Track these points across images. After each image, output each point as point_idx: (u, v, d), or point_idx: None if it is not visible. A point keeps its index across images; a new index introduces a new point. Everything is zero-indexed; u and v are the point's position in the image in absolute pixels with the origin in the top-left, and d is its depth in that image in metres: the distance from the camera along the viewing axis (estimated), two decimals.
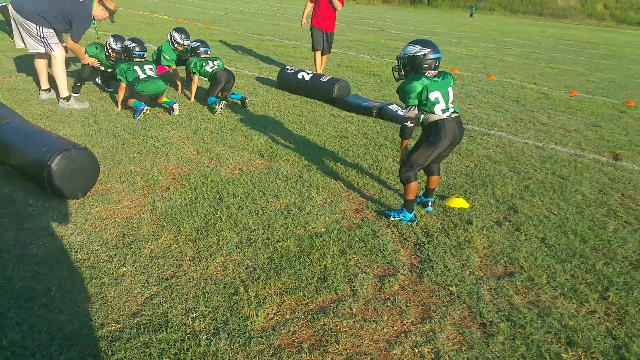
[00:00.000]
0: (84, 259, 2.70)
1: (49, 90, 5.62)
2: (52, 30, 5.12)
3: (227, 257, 2.87)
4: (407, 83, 3.27)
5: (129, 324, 2.26)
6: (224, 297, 2.51)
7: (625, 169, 4.99)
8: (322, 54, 8.32)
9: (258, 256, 2.90)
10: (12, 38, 8.86)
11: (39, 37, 5.09)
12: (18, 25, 5.13)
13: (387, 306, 2.55)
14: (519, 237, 3.37)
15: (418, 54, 3.25)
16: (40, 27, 5.05)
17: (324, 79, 6.95)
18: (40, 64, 5.47)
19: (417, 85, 3.22)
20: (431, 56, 3.24)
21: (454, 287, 2.75)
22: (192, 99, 6.20)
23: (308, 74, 7.10)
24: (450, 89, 3.37)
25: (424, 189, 3.77)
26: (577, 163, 5.04)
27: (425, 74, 3.26)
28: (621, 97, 9.12)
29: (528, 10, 66.85)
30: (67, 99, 5.34)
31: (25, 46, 5.25)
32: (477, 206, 3.84)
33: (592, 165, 5.00)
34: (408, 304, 2.58)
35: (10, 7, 5.06)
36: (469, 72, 10.92)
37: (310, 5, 8.28)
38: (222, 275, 2.70)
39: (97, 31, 7.30)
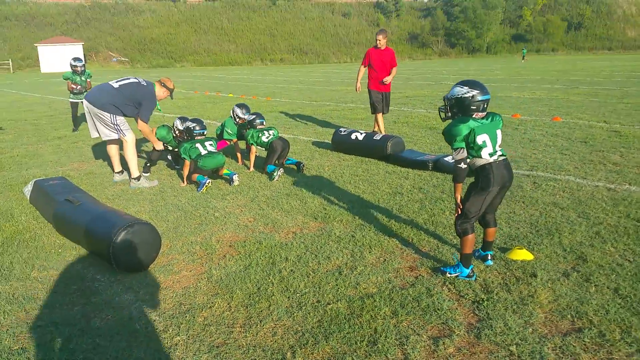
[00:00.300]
0: (142, 329, 2.82)
1: (121, 172, 6.04)
2: (123, 118, 5.63)
3: (277, 322, 2.87)
4: (453, 126, 3.18)
5: None
6: None
7: None
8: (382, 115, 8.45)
9: (307, 320, 2.89)
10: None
11: (112, 125, 5.60)
12: (93, 117, 5.66)
13: None
14: (588, 289, 3.12)
15: (466, 95, 3.16)
16: (114, 116, 5.57)
17: (377, 137, 7.03)
18: (113, 149, 5.93)
19: (464, 129, 3.13)
20: (480, 98, 3.15)
21: (514, 346, 2.56)
22: (252, 169, 6.48)
23: (361, 133, 7.23)
24: (498, 132, 3.28)
25: (482, 243, 3.62)
26: None
27: (473, 116, 3.19)
28: None
29: (594, 45, 64.67)
30: (138, 178, 5.76)
31: (99, 135, 5.75)
32: (542, 257, 3.62)
33: None
34: None
35: (85, 101, 5.62)
36: (532, 116, 10.61)
37: (363, 69, 8.54)
38: (271, 341, 2.70)
39: (160, 109, 7.93)
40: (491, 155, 3.20)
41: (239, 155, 7.02)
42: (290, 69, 44.38)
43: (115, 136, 5.71)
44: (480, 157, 3.19)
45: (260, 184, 5.88)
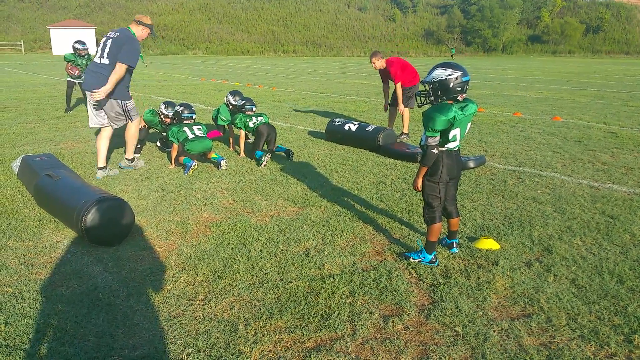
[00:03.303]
0: (104, 298, 2.91)
1: (105, 168, 5.52)
2: (132, 101, 5.51)
3: (237, 297, 2.95)
4: (438, 112, 3.09)
5: (129, 356, 2.39)
6: (223, 334, 2.58)
7: None
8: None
9: (266, 296, 2.96)
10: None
11: (123, 112, 5.45)
12: (97, 107, 5.34)
13: (384, 346, 2.48)
14: (547, 278, 3.16)
15: (450, 77, 3.11)
16: (124, 102, 5.39)
17: (370, 128, 7.08)
18: (103, 141, 5.47)
19: (444, 122, 3.08)
20: (463, 79, 3.12)
21: (460, 327, 2.62)
22: (242, 154, 6.56)
23: (354, 124, 7.27)
24: (469, 124, 3.32)
25: (447, 232, 3.67)
26: (634, 202, 4.66)
27: (458, 98, 3.16)
28: None
29: (612, 49, 63.82)
30: (132, 160, 5.80)
31: (107, 123, 5.44)
32: (509, 247, 3.66)
33: None
34: (407, 344, 2.49)
35: (90, 95, 5.24)
36: (533, 114, 10.58)
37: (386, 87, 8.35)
38: (227, 314, 2.78)
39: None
40: (450, 149, 3.24)
41: (231, 140, 7.11)
42: (302, 60, 44.36)
43: (122, 123, 5.54)
44: (443, 147, 3.23)
45: (247, 169, 5.95)
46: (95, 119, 5.44)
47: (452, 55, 55.42)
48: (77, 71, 9.90)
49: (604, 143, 7.52)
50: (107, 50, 5.23)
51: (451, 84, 3.13)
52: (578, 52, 63.72)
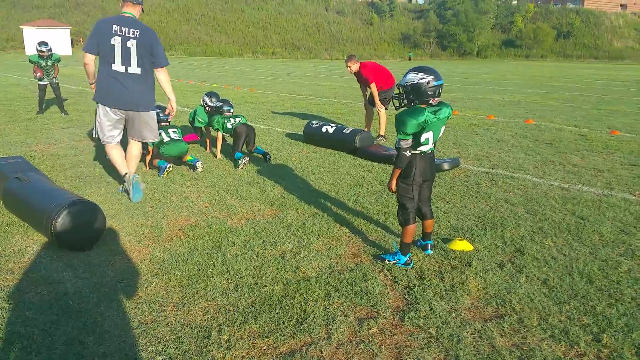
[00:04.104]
0: (74, 304, 2.84)
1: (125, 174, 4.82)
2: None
3: (210, 302, 2.92)
4: (409, 116, 3.13)
5: None
6: (196, 340, 2.54)
7: None
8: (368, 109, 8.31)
9: (240, 301, 2.93)
10: (63, 113, 9.73)
11: (156, 123, 4.98)
12: (138, 123, 4.78)
13: (359, 349, 2.48)
14: (519, 279, 3.21)
15: (422, 81, 3.15)
16: (155, 112, 4.96)
17: (347, 130, 7.10)
18: (120, 151, 4.84)
19: (415, 126, 3.12)
20: (434, 83, 3.15)
21: (434, 329, 2.64)
22: (219, 156, 6.50)
23: (332, 126, 7.29)
24: (443, 128, 3.35)
25: (422, 234, 3.70)
26: (602, 203, 4.78)
27: (430, 102, 3.19)
28: None
29: (582, 54, 65.48)
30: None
31: (142, 139, 4.90)
32: (482, 248, 3.70)
33: (619, 205, 4.72)
34: (382, 347, 2.49)
35: (130, 113, 4.70)
36: (506, 117, 10.76)
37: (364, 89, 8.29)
38: (201, 319, 2.74)
39: None
40: (423, 152, 3.27)
41: (208, 142, 7.04)
42: (281, 63, 44.27)
43: (157, 139, 5.12)
44: (415, 150, 3.25)
45: (224, 171, 5.90)
46: (108, 132, 4.70)
47: (409, 59, 56.14)
48: (41, 73, 9.69)
49: (574, 145, 7.69)
50: (133, 55, 4.48)
51: (423, 88, 3.16)
52: (550, 57, 65.15)
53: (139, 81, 4.61)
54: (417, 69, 3.22)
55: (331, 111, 11.48)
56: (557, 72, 33.57)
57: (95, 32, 4.47)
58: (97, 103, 4.64)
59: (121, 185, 4.97)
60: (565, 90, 18.32)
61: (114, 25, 4.43)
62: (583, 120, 10.45)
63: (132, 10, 4.57)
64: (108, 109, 4.62)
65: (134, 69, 4.56)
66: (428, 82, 3.14)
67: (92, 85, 4.80)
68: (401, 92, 3.29)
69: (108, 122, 4.68)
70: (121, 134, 4.83)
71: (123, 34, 4.44)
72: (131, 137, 4.92)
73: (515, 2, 75.07)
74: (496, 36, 70.29)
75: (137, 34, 4.49)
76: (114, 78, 4.51)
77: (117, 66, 4.49)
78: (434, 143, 3.33)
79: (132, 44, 4.47)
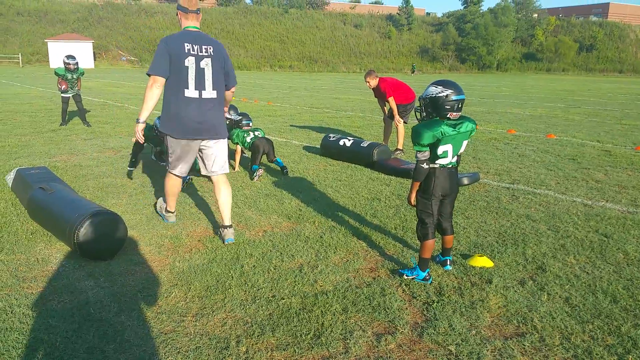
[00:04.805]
0: (96, 313, 2.88)
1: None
2: None
3: (228, 314, 2.93)
4: (425, 128, 3.13)
5: None
6: (214, 351, 2.55)
7: None
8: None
9: (258, 313, 2.94)
10: (86, 124, 9.85)
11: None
12: (216, 152, 4.13)
13: None
14: (540, 297, 3.15)
15: (440, 95, 3.13)
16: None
17: (364, 144, 7.11)
18: (178, 185, 4.37)
19: (430, 137, 3.11)
20: (454, 97, 3.12)
21: (454, 346, 2.61)
22: (237, 168, 6.56)
23: (349, 140, 7.30)
24: (465, 142, 3.32)
25: (442, 249, 3.67)
26: (627, 220, 4.68)
27: (448, 116, 3.17)
28: None
29: (606, 68, 64.57)
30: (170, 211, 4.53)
31: (217, 169, 4.18)
32: (502, 265, 3.66)
33: None
34: None
35: (210, 143, 4.08)
36: (527, 132, 10.66)
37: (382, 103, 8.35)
38: (219, 330, 2.75)
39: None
40: (443, 165, 3.25)
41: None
42: (299, 76, 44.64)
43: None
44: (434, 163, 3.24)
45: (242, 183, 5.95)
46: (179, 167, 4.14)
47: (412, 72, 55.85)
48: (65, 85, 9.95)
49: (598, 161, 7.58)
50: (208, 77, 3.87)
51: (441, 101, 3.14)
52: (572, 70, 64.46)
53: (214, 106, 3.98)
54: (438, 82, 3.22)
55: (348, 124, 11.51)
56: (579, 86, 33.18)
57: (164, 51, 3.76)
58: (166, 135, 4.04)
59: (162, 210, 4.57)
60: (587, 104, 18.09)
61: (185, 44, 3.77)
62: (607, 135, 10.29)
63: (197, 23, 3.95)
64: (182, 141, 3.98)
65: (209, 92, 3.91)
66: (447, 96, 3.13)
67: (142, 121, 3.97)
68: (421, 104, 3.30)
69: (180, 155, 4.06)
70: (190, 166, 4.25)
71: (196, 52, 3.80)
72: (213, 173, 4.17)
73: (536, 15, 74.62)
74: (516, 49, 69.91)
75: (211, 50, 3.87)
76: (187, 105, 3.85)
77: (191, 92, 3.84)
78: (457, 157, 3.31)
79: (206, 63, 3.85)
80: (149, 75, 3.82)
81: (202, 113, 3.91)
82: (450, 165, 3.30)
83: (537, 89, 28.85)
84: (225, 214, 4.13)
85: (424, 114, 3.28)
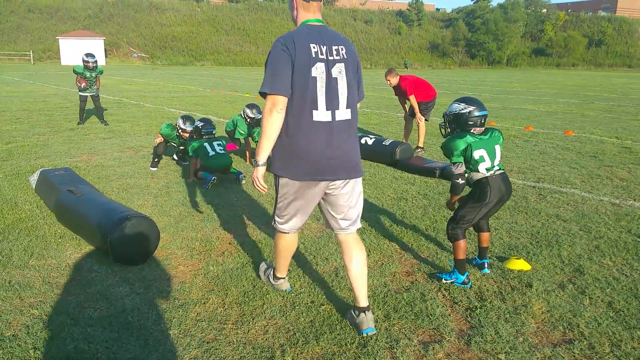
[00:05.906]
0: (134, 321, 2.85)
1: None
2: None
3: (269, 321, 2.89)
4: (451, 140, 3.27)
5: None
6: None
7: None
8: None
9: (300, 320, 2.90)
10: (104, 123, 9.76)
11: None
12: (349, 198, 2.84)
13: None
14: (582, 301, 3.09)
15: (463, 111, 3.25)
16: None
17: (386, 142, 7.04)
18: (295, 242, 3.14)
19: (460, 144, 3.21)
20: (476, 114, 3.23)
21: (503, 355, 2.55)
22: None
23: (371, 138, 7.24)
24: (497, 147, 3.31)
25: (478, 250, 3.61)
26: None
27: (471, 131, 3.25)
28: None
29: (615, 62, 63.90)
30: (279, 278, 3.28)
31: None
32: (540, 268, 3.59)
33: None
34: None
35: (344, 184, 2.78)
36: (545, 129, 10.54)
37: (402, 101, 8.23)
38: (261, 339, 2.71)
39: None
40: (488, 170, 3.25)
41: (247, 153, 7.08)
42: None
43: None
44: (478, 171, 3.25)
45: (268, 183, 5.88)
46: (294, 220, 2.94)
47: (405, 67, 55.28)
48: (84, 83, 9.88)
49: (619, 158, 7.46)
50: (342, 90, 2.67)
51: (464, 118, 3.25)
52: (581, 65, 63.78)
53: (349, 131, 2.74)
54: (460, 100, 3.32)
55: (365, 122, 11.43)
56: (590, 81, 32.84)
57: (285, 57, 2.56)
58: (281, 177, 2.78)
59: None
60: (600, 100, 17.88)
61: (311, 45, 2.60)
62: (624, 132, 10.15)
63: (320, 16, 2.76)
64: (302, 183, 2.73)
65: (343, 112, 2.69)
66: (469, 112, 3.24)
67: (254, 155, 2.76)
68: (445, 120, 3.41)
69: (295, 203, 2.84)
70: (306, 219, 3.03)
71: (326, 57, 2.63)
72: (343, 230, 2.91)
73: (545, 10, 73.90)
74: (526, 44, 69.25)
75: (344, 52, 2.72)
76: (317, 134, 2.64)
77: (321, 113, 2.62)
78: (496, 161, 3.28)
79: (339, 70, 2.67)
80: (264, 94, 2.60)
81: (335, 143, 2.67)
82: (497, 169, 3.29)
83: (549, 84, 28.58)
84: (360, 290, 2.81)
85: (449, 129, 3.39)
